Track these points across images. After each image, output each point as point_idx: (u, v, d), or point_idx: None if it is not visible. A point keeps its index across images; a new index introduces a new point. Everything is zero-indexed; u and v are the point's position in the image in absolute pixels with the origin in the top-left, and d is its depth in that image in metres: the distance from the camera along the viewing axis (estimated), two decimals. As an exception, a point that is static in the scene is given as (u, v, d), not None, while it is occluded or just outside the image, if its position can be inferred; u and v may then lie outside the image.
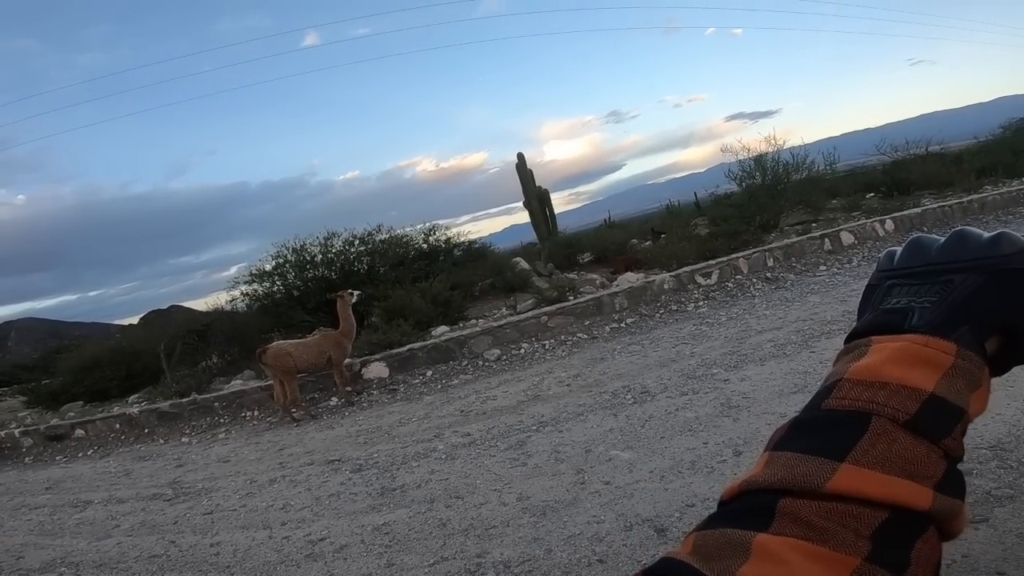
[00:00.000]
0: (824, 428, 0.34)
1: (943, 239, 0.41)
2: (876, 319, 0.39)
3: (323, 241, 11.06)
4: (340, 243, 11.09)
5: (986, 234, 0.39)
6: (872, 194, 11.78)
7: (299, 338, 6.70)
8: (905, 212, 8.62)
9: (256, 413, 6.54)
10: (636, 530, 2.43)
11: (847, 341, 0.40)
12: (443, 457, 3.90)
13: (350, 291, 6.61)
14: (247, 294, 10.93)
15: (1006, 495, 2.06)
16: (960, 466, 0.34)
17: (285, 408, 6.02)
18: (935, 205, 8.90)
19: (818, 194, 11.08)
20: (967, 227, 0.41)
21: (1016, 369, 0.39)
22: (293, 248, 10.92)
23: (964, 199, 9.00)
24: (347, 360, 6.46)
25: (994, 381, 0.37)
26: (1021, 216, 8.37)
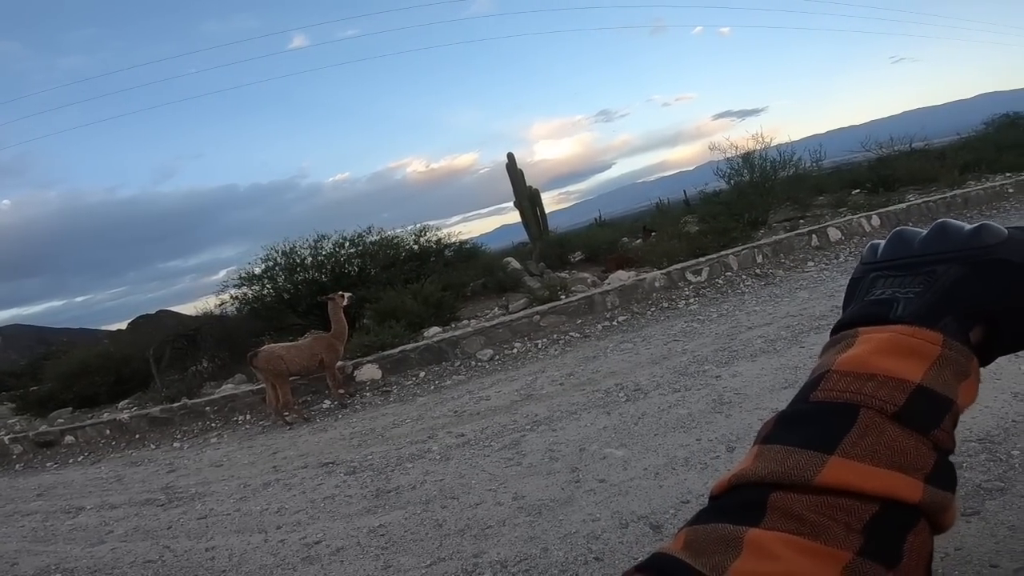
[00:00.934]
0: (812, 420, 0.34)
1: (926, 231, 0.41)
2: (861, 310, 0.39)
3: (313, 243, 11.01)
4: (330, 245, 11.04)
5: (968, 225, 0.40)
6: (858, 190, 11.90)
7: (290, 341, 6.67)
8: (890, 208, 8.72)
9: (248, 417, 6.51)
10: (632, 527, 2.44)
11: (833, 333, 0.40)
12: (437, 458, 3.90)
13: (341, 293, 6.59)
14: (237, 298, 10.87)
15: (996, 488, 2.08)
16: (950, 459, 0.35)
17: (277, 411, 5.99)
18: (920, 200, 9.01)
19: (805, 191, 11.19)
20: (949, 219, 0.41)
21: (1002, 360, 0.40)
22: (283, 251, 10.85)
23: (948, 194, 9.13)
24: (339, 362, 6.43)
25: (982, 372, 0.37)
26: (1004, 211, 8.50)
